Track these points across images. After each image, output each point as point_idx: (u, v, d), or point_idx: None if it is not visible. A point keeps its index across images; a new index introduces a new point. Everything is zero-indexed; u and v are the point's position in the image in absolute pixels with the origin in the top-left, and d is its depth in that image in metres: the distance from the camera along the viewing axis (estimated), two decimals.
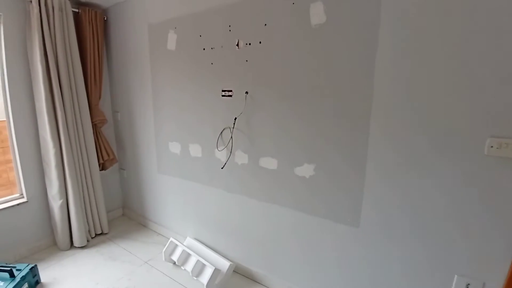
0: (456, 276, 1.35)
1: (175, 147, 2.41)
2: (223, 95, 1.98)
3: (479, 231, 1.27)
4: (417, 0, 1.25)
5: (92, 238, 2.68)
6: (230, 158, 2.03)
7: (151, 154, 2.65)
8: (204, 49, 2.01)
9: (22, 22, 2.19)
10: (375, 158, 1.47)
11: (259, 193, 1.95)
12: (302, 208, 1.78)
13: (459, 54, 1.19)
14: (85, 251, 2.51)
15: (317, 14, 1.50)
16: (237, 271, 2.21)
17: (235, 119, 1.94)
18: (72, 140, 2.41)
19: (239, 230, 2.14)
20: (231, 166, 2.05)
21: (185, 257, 2.23)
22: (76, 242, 2.51)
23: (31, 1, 2.09)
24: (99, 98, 2.65)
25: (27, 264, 2.04)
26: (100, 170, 2.72)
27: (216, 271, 1.97)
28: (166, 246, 2.32)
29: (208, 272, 1.99)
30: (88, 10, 2.44)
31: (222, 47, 1.91)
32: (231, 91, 1.94)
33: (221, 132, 2.05)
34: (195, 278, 2.08)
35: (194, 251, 2.22)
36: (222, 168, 2.08)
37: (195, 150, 2.25)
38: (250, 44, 1.78)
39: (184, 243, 2.43)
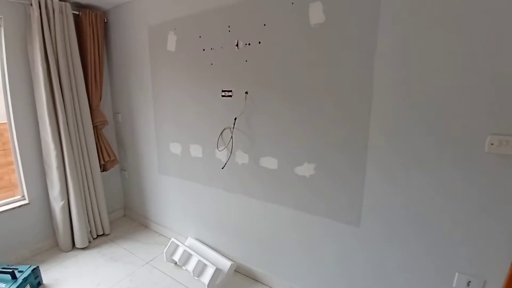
0: (457, 273, 1.35)
1: (175, 148, 2.42)
2: (223, 96, 1.99)
3: (479, 229, 1.27)
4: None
5: (93, 239, 2.69)
6: (230, 158, 2.04)
7: (152, 155, 2.66)
8: (203, 49, 2.02)
9: (22, 25, 2.20)
10: (375, 156, 1.47)
11: (259, 192, 1.96)
12: (303, 208, 1.78)
13: (459, 51, 1.19)
14: (87, 252, 2.52)
15: (317, 14, 1.50)
16: (238, 270, 2.21)
17: (235, 119, 1.94)
18: (73, 142, 2.42)
19: (240, 230, 2.14)
20: (232, 166, 2.05)
21: (187, 257, 2.23)
22: (78, 243, 2.51)
23: (31, 4, 2.10)
24: (100, 99, 2.66)
25: (29, 266, 2.05)
26: (101, 171, 2.73)
27: (217, 271, 1.97)
28: (167, 247, 2.32)
29: (209, 272, 2.00)
30: (88, 12, 2.45)
31: (221, 47, 1.92)
32: (231, 91, 1.94)
33: (221, 132, 2.05)
34: (196, 278, 2.09)
35: (195, 251, 2.23)
36: (222, 168, 2.08)
37: (196, 150, 2.26)
38: (249, 44, 1.79)
39: (185, 244, 2.43)
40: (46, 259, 2.40)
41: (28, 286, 1.96)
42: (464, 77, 1.20)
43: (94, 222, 2.69)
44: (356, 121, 1.50)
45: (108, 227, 2.80)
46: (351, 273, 1.69)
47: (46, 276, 2.17)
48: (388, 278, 1.56)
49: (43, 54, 2.18)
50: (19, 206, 2.35)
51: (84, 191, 2.56)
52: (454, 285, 1.36)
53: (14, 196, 2.41)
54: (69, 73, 2.35)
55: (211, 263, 2.06)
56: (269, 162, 1.86)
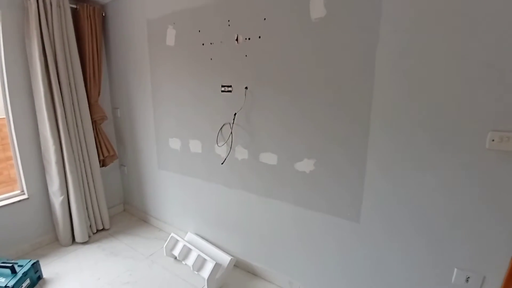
0: (456, 269, 1.35)
1: (175, 143, 2.41)
2: (222, 91, 1.98)
3: (479, 225, 1.27)
4: None
5: (93, 233, 2.70)
6: (230, 153, 2.03)
7: (151, 150, 2.66)
8: (203, 44, 2.00)
9: (20, 19, 2.17)
10: (376, 152, 1.47)
11: (259, 188, 1.96)
12: (303, 203, 1.78)
13: (460, 47, 1.18)
14: (87, 246, 2.53)
15: (317, 8, 1.48)
16: (238, 265, 2.22)
17: (235, 114, 1.93)
18: (72, 137, 2.41)
19: (240, 225, 2.15)
20: (231, 162, 2.05)
21: (186, 252, 2.24)
22: (78, 238, 2.52)
23: None
24: (98, 94, 2.65)
25: (29, 260, 2.05)
26: (100, 167, 2.73)
27: (217, 265, 1.98)
28: (167, 241, 2.33)
29: (209, 266, 2.01)
30: (86, 6, 2.42)
31: (221, 42, 1.90)
32: (230, 86, 1.93)
33: (221, 128, 2.04)
34: (196, 272, 2.10)
35: (195, 246, 2.24)
36: (222, 163, 2.08)
37: (195, 146, 2.25)
38: (249, 39, 1.77)
39: (185, 238, 2.44)
40: (46, 253, 2.41)
41: (28, 280, 1.97)
42: (465, 73, 1.19)
43: (94, 217, 2.69)
44: (356, 117, 1.49)
45: (108, 222, 2.80)
46: (350, 269, 1.69)
47: (46, 270, 2.19)
48: (387, 273, 1.56)
49: (41, 48, 2.16)
50: (19, 201, 2.35)
51: (83, 186, 2.56)
52: (453, 281, 1.37)
53: (13, 191, 2.41)
54: (67, 67, 2.32)
55: (211, 258, 2.06)
56: (269, 158, 1.86)
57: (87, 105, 2.52)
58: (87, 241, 2.58)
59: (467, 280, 1.33)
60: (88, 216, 2.64)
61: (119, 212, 3.18)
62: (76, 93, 2.43)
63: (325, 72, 1.53)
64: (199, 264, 2.09)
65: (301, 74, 1.62)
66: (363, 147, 1.49)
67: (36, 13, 2.10)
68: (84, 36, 2.44)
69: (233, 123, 1.96)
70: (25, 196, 2.39)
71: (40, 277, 2.10)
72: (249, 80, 1.83)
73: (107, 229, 2.80)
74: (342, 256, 1.71)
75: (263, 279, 2.10)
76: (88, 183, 2.60)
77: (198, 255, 2.11)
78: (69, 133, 2.38)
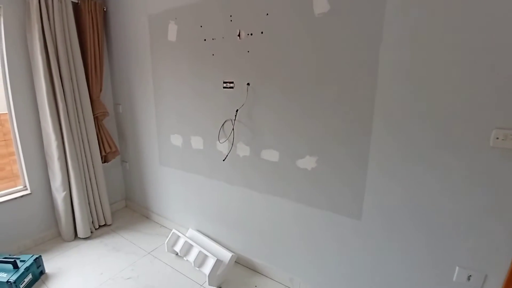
0: (457, 267, 1.35)
1: (176, 140, 2.40)
2: (224, 87, 1.96)
3: (482, 223, 1.26)
4: None
5: (95, 229, 2.71)
6: (231, 150, 2.03)
7: (152, 147, 2.66)
8: (205, 40, 1.98)
9: (22, 14, 2.17)
10: (378, 150, 1.46)
11: (261, 185, 1.95)
12: (304, 200, 1.78)
13: (465, 43, 1.16)
14: (89, 242, 2.54)
15: (321, 3, 1.46)
16: (239, 262, 2.23)
17: (237, 111, 1.92)
18: (74, 133, 2.41)
19: (241, 221, 2.15)
20: (233, 158, 2.04)
21: (188, 248, 2.25)
22: (80, 233, 2.54)
23: None
24: (100, 90, 2.64)
25: (31, 255, 2.07)
26: (102, 163, 2.73)
27: (218, 261, 1.99)
28: (168, 237, 2.34)
29: (210, 262, 2.01)
30: (88, 0, 2.40)
31: (223, 38, 1.89)
32: (232, 82, 1.92)
33: (223, 124, 2.04)
34: (197, 268, 2.11)
35: (196, 242, 2.25)
36: (223, 160, 2.08)
37: (197, 142, 2.25)
38: (251, 34, 1.75)
39: (187, 235, 2.45)
40: (48, 248, 2.43)
41: (30, 276, 1.98)
42: (470, 70, 1.17)
43: (96, 212, 2.70)
44: (359, 114, 1.47)
45: (110, 217, 2.82)
46: (351, 266, 1.69)
47: (49, 265, 2.20)
48: (388, 271, 1.56)
49: (42, 43, 2.15)
50: (21, 196, 2.36)
51: (85, 182, 2.57)
52: (454, 279, 1.36)
53: (15, 186, 2.42)
54: (68, 62, 2.32)
55: (212, 254, 2.07)
56: (271, 155, 1.85)
57: (89, 100, 2.52)
58: (89, 236, 2.59)
59: (468, 279, 1.33)
60: (90, 212, 2.65)
61: (121, 208, 3.19)
62: (78, 89, 2.42)
63: (328, 68, 1.52)
64: (200, 260, 2.10)
65: (304, 70, 1.60)
66: (365, 145, 1.48)
67: (38, 8, 2.09)
68: (86, 31, 2.42)
69: (235, 119, 1.95)
70: (28, 192, 2.40)
71: (42, 272, 2.12)
72: (251, 76, 1.82)
73: (109, 225, 2.81)
74: (343, 253, 1.71)
75: (264, 275, 2.11)
76: (90, 179, 2.61)
77: (200, 251, 2.12)
78: (71, 129, 2.38)
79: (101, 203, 2.73)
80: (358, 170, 1.54)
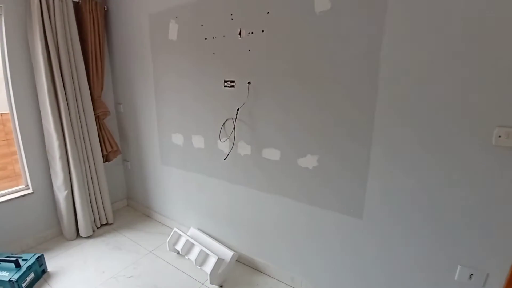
0: (459, 266, 1.34)
1: (177, 139, 2.41)
2: (225, 86, 1.96)
3: (484, 222, 1.26)
4: None
5: (97, 228, 2.72)
6: (232, 149, 2.03)
7: (154, 146, 2.66)
8: (205, 38, 1.98)
9: (23, 14, 2.17)
10: (379, 148, 1.45)
11: (262, 184, 1.95)
12: (305, 199, 1.78)
13: (468, 41, 1.15)
14: (91, 240, 2.55)
15: (322, 1, 1.46)
16: (240, 260, 2.23)
17: (238, 110, 1.92)
18: (76, 132, 2.42)
19: (242, 220, 2.15)
20: (234, 157, 2.04)
21: (189, 247, 2.25)
22: (82, 232, 2.55)
23: None
24: (101, 90, 2.65)
25: (33, 254, 2.08)
26: (104, 162, 2.74)
27: (220, 260, 1.99)
28: (170, 236, 2.35)
29: (211, 261, 2.02)
30: (88, 0, 2.40)
31: (224, 36, 1.88)
32: (233, 81, 1.92)
33: (224, 123, 2.04)
34: (198, 267, 2.11)
35: (197, 241, 2.25)
36: (225, 159, 2.08)
37: (198, 141, 2.25)
38: (252, 33, 1.75)
39: (188, 233, 2.45)
40: (51, 247, 2.44)
41: (32, 274, 1.99)
42: (472, 66, 1.16)
43: (98, 211, 2.71)
44: (360, 113, 1.47)
45: (112, 216, 2.82)
46: (352, 264, 1.69)
47: (51, 264, 2.21)
48: (390, 269, 1.56)
49: (44, 42, 2.15)
50: (23, 196, 2.37)
51: (87, 181, 2.58)
52: (456, 277, 1.36)
53: (18, 185, 2.43)
54: (70, 62, 2.32)
55: (213, 253, 2.07)
56: (272, 154, 1.85)
57: (90, 100, 2.52)
58: (91, 235, 2.60)
59: (470, 277, 1.32)
60: (92, 211, 2.66)
61: (123, 207, 3.20)
62: (79, 88, 2.43)
63: (330, 66, 1.51)
64: (202, 259, 2.11)
65: (305, 68, 1.60)
66: (367, 143, 1.48)
67: (39, 8, 2.09)
68: (86, 30, 2.43)
69: (236, 118, 1.95)
70: (30, 191, 2.41)
71: (44, 271, 2.13)
72: (252, 75, 1.81)
73: (111, 224, 2.82)
74: (344, 252, 1.71)
75: (265, 274, 2.11)
76: (92, 178, 2.62)
77: (201, 250, 2.12)
78: (72, 128, 2.38)
79: (102, 202, 2.74)
80: (360, 169, 1.53)
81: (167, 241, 2.35)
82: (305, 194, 1.77)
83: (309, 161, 1.70)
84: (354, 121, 1.50)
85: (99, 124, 2.67)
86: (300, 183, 1.77)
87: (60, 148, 2.33)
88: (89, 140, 2.56)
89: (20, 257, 2.03)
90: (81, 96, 2.44)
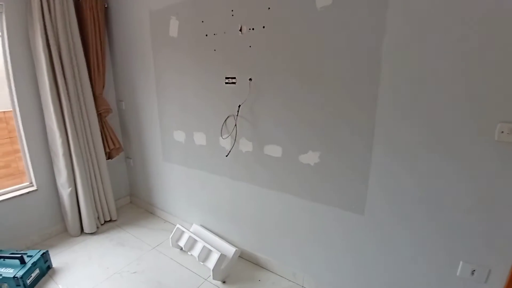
0: (461, 262, 1.35)
1: (179, 136, 2.41)
2: (226, 83, 1.96)
3: (486, 218, 1.25)
4: None
5: (101, 225, 2.75)
6: (234, 146, 2.03)
7: (156, 143, 2.67)
8: (206, 35, 1.97)
9: (24, 12, 2.17)
10: (381, 145, 1.45)
11: (264, 180, 1.96)
12: (307, 196, 1.78)
13: (471, 37, 1.14)
14: (95, 237, 2.58)
15: None
16: (243, 256, 2.24)
17: (239, 106, 1.92)
18: (78, 130, 2.43)
19: (244, 217, 2.16)
20: (236, 154, 2.05)
21: (192, 243, 2.27)
22: (86, 229, 2.57)
23: None
24: (103, 87, 2.65)
25: (38, 250, 2.11)
26: (106, 159, 2.75)
27: (222, 256, 2.01)
28: (173, 233, 2.37)
29: (214, 257, 2.03)
30: None
31: (224, 33, 1.87)
32: (234, 78, 1.91)
33: (225, 120, 2.04)
34: (201, 263, 2.13)
35: (200, 237, 2.27)
36: (226, 156, 2.08)
37: (200, 138, 2.25)
38: (253, 29, 1.74)
39: (191, 230, 2.47)
40: (55, 243, 2.47)
41: (38, 270, 2.02)
42: (475, 61, 1.15)
43: (101, 208, 2.74)
44: (362, 108, 1.46)
45: (115, 213, 2.85)
46: (354, 259, 1.70)
47: (56, 260, 2.24)
48: (391, 265, 1.56)
49: (45, 40, 2.16)
50: (27, 193, 2.39)
51: (90, 178, 2.60)
52: (458, 273, 1.36)
53: (21, 183, 2.45)
54: (71, 60, 2.32)
55: (216, 249, 2.09)
56: (274, 150, 1.85)
57: (92, 97, 2.53)
58: (95, 231, 2.63)
59: (472, 273, 1.33)
60: (96, 208, 2.68)
61: (126, 203, 3.23)
62: (81, 86, 2.43)
63: (331, 62, 1.50)
64: (205, 255, 2.12)
65: (306, 64, 1.59)
66: (369, 139, 1.47)
67: (39, 5, 2.09)
68: (87, 28, 2.42)
69: (237, 115, 1.95)
70: (34, 188, 2.44)
71: (49, 267, 2.15)
72: (253, 72, 1.81)
73: (114, 220, 2.85)
74: (346, 248, 1.71)
75: (268, 270, 2.13)
76: (95, 175, 2.64)
77: (204, 246, 2.14)
78: (75, 126, 2.40)
79: (106, 199, 2.76)
80: (362, 165, 1.53)
81: (170, 237, 2.37)
82: (307, 191, 1.77)
83: (310, 158, 1.70)
84: (355, 118, 1.49)
85: (101, 122, 2.68)
86: (302, 180, 1.77)
87: (63, 145, 2.35)
88: (92, 138, 2.57)
89: (25, 253, 2.05)
90: (83, 94, 2.45)
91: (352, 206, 1.62)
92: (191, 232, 2.33)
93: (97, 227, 2.67)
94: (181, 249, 2.34)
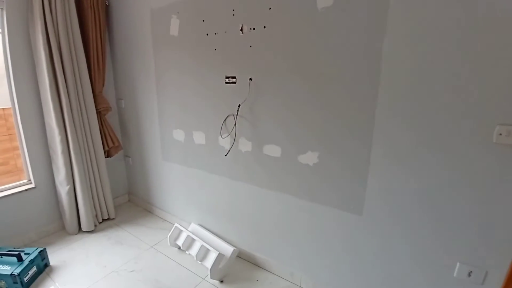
0: (458, 263, 1.35)
1: (179, 135, 2.41)
2: (226, 82, 1.96)
3: (484, 220, 1.26)
4: None
5: (99, 223, 2.75)
6: (233, 145, 2.03)
7: (155, 142, 2.67)
8: (207, 34, 1.97)
9: (24, 9, 2.16)
10: (380, 146, 1.45)
11: (263, 180, 1.96)
12: (306, 196, 1.78)
13: (470, 38, 1.15)
14: (93, 235, 2.57)
15: None
16: (241, 256, 2.25)
17: (239, 106, 1.92)
18: (77, 127, 2.43)
19: (243, 216, 2.16)
20: (235, 154, 2.05)
21: (190, 242, 2.27)
22: (84, 227, 2.57)
23: None
24: (103, 85, 2.65)
25: (36, 248, 2.10)
26: (105, 157, 2.75)
27: (220, 255, 2.01)
28: (171, 232, 2.36)
29: (212, 256, 2.03)
30: None
31: (225, 32, 1.88)
32: (234, 77, 1.91)
33: (225, 119, 2.04)
34: (199, 262, 2.13)
35: (198, 237, 2.27)
36: (225, 155, 2.08)
37: (199, 137, 2.25)
38: (254, 29, 1.74)
39: (189, 229, 2.47)
40: (53, 241, 2.46)
41: (35, 268, 2.01)
42: (473, 63, 1.15)
43: (100, 206, 2.73)
44: (361, 109, 1.47)
45: (113, 211, 2.84)
46: (352, 260, 1.70)
47: (53, 258, 2.24)
48: (388, 266, 1.57)
49: (45, 38, 2.15)
50: (26, 190, 2.39)
51: (89, 176, 2.59)
52: (455, 275, 1.37)
53: (20, 180, 2.44)
54: (71, 57, 2.32)
55: (214, 248, 2.09)
56: (273, 150, 1.85)
57: (92, 95, 2.53)
58: (93, 230, 2.62)
59: (469, 275, 1.33)
60: (94, 206, 2.68)
61: (124, 202, 3.22)
62: (81, 83, 2.43)
63: (331, 63, 1.51)
64: (203, 254, 2.12)
65: (306, 65, 1.59)
66: (367, 140, 1.48)
67: (40, 3, 2.09)
68: (88, 26, 2.42)
69: (237, 114, 1.95)
70: (32, 185, 2.43)
71: (47, 265, 2.15)
72: (254, 71, 1.81)
73: (113, 219, 2.84)
74: (344, 248, 1.71)
75: (265, 269, 2.13)
76: (93, 173, 2.63)
77: (202, 245, 2.14)
78: (74, 124, 2.39)
79: (104, 197, 2.76)
80: (360, 166, 1.54)
81: (168, 236, 2.37)
82: (306, 191, 1.77)
83: (309, 158, 1.70)
84: (355, 119, 1.50)
85: (101, 120, 2.68)
86: (301, 180, 1.77)
87: (62, 143, 2.34)
88: (91, 136, 2.57)
89: (23, 251, 2.05)
90: (82, 92, 2.45)
91: (351, 207, 1.62)
92: (189, 231, 2.33)
93: (95, 225, 2.67)
94: (179, 248, 2.34)
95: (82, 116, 2.47)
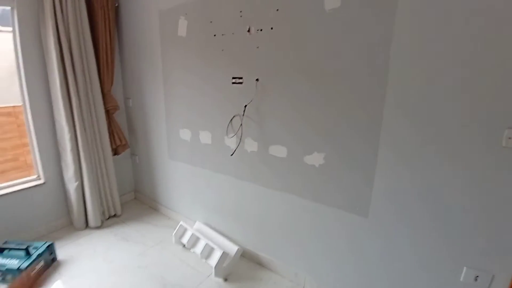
0: (465, 268, 1.34)
1: (185, 134, 2.43)
2: (233, 83, 1.97)
3: (491, 224, 1.25)
4: None
5: (106, 219, 2.79)
6: (239, 145, 2.04)
7: (162, 141, 2.70)
8: (214, 35, 1.99)
9: (36, 10, 2.21)
10: (387, 148, 1.45)
11: (268, 180, 1.97)
12: (311, 197, 1.78)
13: (479, 40, 1.14)
14: (100, 231, 2.61)
15: None
16: (245, 255, 2.26)
17: (245, 106, 1.93)
18: (86, 126, 2.47)
19: (248, 216, 2.17)
20: (241, 153, 2.06)
21: (194, 240, 2.29)
22: (91, 223, 2.61)
23: None
24: (111, 84, 2.69)
25: (44, 242, 2.14)
26: (113, 155, 2.79)
27: (224, 254, 2.02)
28: (176, 229, 2.39)
29: (216, 255, 2.05)
30: None
31: (233, 33, 1.89)
32: (241, 78, 1.92)
33: (231, 120, 2.05)
34: (204, 260, 2.15)
35: (203, 235, 2.28)
36: (231, 155, 2.09)
37: (205, 137, 2.27)
38: (261, 30, 1.75)
39: (194, 227, 2.49)
40: (61, 236, 2.51)
41: (42, 262, 2.04)
42: (483, 68, 1.15)
43: (106, 203, 2.77)
44: (369, 111, 1.46)
45: (120, 208, 2.88)
46: (357, 262, 1.70)
47: (61, 252, 2.28)
48: (395, 269, 1.56)
49: (56, 38, 2.20)
50: (35, 186, 2.44)
51: (97, 173, 2.64)
52: (461, 279, 1.36)
53: (29, 176, 2.49)
54: (81, 57, 2.36)
55: (218, 247, 2.11)
56: (279, 151, 1.86)
57: (101, 94, 2.57)
58: (100, 226, 2.66)
59: (475, 279, 1.32)
60: (101, 202, 2.72)
61: (130, 199, 3.26)
62: (90, 83, 2.47)
63: (338, 65, 1.51)
64: (207, 253, 2.14)
65: (314, 66, 1.59)
66: (374, 141, 1.48)
67: (51, 4, 2.13)
68: (98, 26, 2.46)
69: (243, 115, 1.97)
70: (41, 181, 2.48)
71: (54, 259, 2.19)
72: (260, 72, 1.82)
73: (119, 216, 2.88)
74: (349, 250, 1.71)
75: (269, 269, 2.13)
76: (101, 170, 2.67)
77: (206, 244, 2.16)
78: (83, 122, 2.44)
79: (111, 194, 2.80)
80: (367, 168, 1.53)
81: (173, 234, 2.39)
82: (311, 192, 1.78)
83: (315, 159, 1.71)
84: (362, 120, 1.50)
85: (109, 118, 2.72)
86: (306, 180, 1.78)
87: (71, 140, 2.39)
88: (99, 134, 2.61)
89: (31, 245, 2.09)
90: (91, 91, 2.49)
91: (356, 208, 1.62)
92: (194, 230, 2.35)
93: (102, 222, 2.71)
94: (184, 246, 2.36)
95: (91, 114, 2.51)
